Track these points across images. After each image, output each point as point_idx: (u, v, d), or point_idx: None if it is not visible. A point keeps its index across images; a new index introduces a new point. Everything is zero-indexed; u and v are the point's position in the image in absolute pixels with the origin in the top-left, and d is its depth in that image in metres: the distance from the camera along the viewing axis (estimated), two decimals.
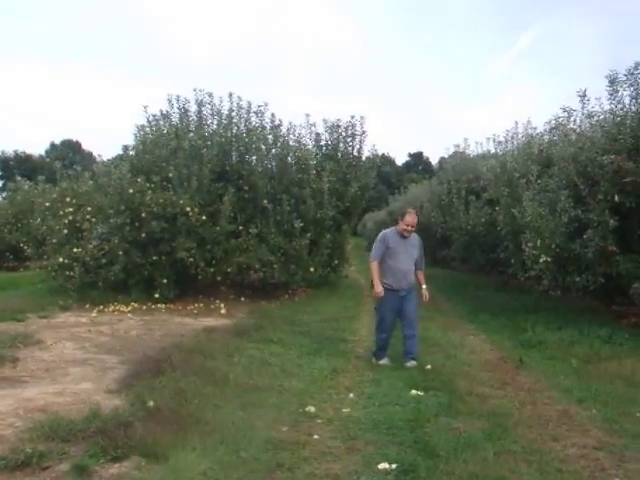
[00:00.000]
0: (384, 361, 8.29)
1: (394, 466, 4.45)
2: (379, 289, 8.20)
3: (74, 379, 6.95)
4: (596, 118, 11.39)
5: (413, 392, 6.58)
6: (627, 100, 10.54)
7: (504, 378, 7.51)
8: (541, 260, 10.70)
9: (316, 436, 5.24)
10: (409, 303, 8.33)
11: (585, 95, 11.30)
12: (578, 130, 12.17)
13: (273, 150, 15.66)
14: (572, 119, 12.53)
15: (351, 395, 6.58)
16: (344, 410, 6.05)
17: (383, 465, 4.48)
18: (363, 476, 4.33)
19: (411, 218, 8.40)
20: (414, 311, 8.35)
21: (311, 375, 7.46)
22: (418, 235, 8.84)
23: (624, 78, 10.39)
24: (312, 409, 5.97)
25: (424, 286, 8.61)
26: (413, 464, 4.48)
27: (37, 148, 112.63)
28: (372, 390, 6.79)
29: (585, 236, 10.09)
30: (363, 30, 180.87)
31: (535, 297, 13.44)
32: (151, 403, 5.69)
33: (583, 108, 11.56)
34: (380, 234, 8.76)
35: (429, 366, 7.84)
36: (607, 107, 10.98)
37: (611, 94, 10.65)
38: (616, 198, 9.84)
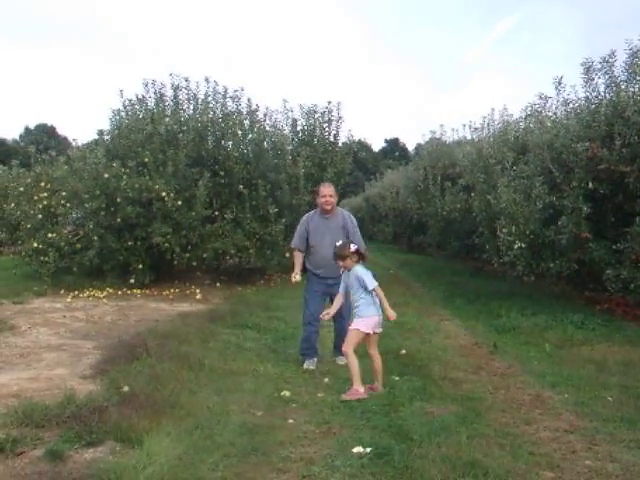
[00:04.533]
0: (308, 364, 7.31)
1: (368, 450, 4.48)
2: (294, 276, 7.46)
3: (48, 365, 6.93)
4: (571, 105, 11.41)
5: (388, 377, 6.62)
6: (602, 88, 10.57)
7: (478, 363, 7.56)
8: (515, 246, 10.74)
9: (291, 420, 5.27)
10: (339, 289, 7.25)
11: (561, 82, 11.30)
12: (553, 117, 12.19)
13: (249, 135, 15.60)
14: (548, 106, 12.54)
15: (326, 380, 6.62)
16: (319, 395, 6.09)
17: (357, 449, 4.51)
18: (337, 460, 4.35)
19: (325, 188, 7.57)
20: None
21: (286, 360, 7.48)
22: (355, 216, 7.94)
23: (599, 66, 10.41)
24: (287, 393, 6.01)
25: None
26: (387, 448, 4.51)
27: (11, 132, 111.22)
28: (347, 375, 6.77)
29: (559, 222, 10.13)
30: (339, 16, 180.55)
31: (509, 283, 13.55)
32: (126, 388, 5.70)
33: (559, 95, 11.56)
34: (302, 218, 7.88)
35: (404, 351, 7.87)
36: (582, 95, 11.00)
37: (586, 82, 10.67)
38: (590, 185, 9.90)
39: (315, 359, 7.46)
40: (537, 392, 6.27)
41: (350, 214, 7.93)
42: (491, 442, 4.76)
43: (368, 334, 6.27)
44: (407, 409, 5.57)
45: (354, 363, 6.14)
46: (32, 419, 4.85)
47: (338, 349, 7.45)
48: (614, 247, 9.65)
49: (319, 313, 7.28)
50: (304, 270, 7.70)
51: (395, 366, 7.12)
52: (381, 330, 6.41)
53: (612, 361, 7.29)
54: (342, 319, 7.47)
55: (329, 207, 7.50)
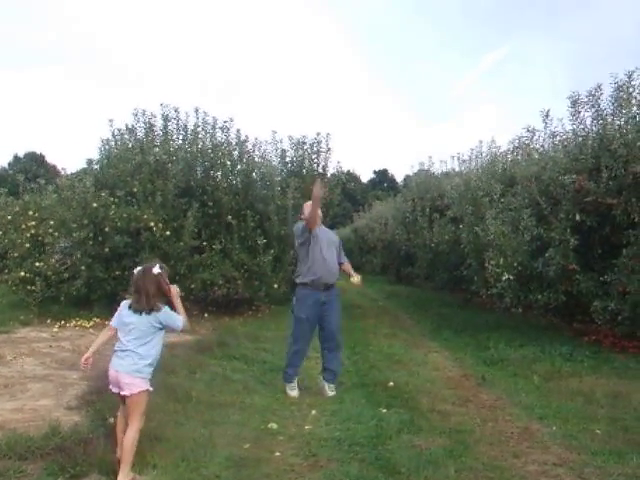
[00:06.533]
0: (291, 389, 7.42)
1: None
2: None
3: (33, 395, 6.86)
4: (558, 138, 11.53)
5: (375, 409, 6.59)
6: (588, 121, 10.69)
7: (466, 395, 7.53)
8: (503, 278, 10.76)
9: (278, 453, 5.24)
10: (330, 311, 7.46)
11: (548, 115, 11.44)
12: (541, 150, 12.32)
13: (238, 166, 15.59)
14: (535, 139, 12.68)
15: (313, 412, 6.58)
16: (306, 427, 6.05)
17: None
18: None
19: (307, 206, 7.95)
20: (336, 321, 7.56)
21: (273, 392, 7.44)
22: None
23: (585, 99, 10.53)
24: (274, 426, 5.97)
25: (353, 273, 7.73)
26: None
27: (0, 160, 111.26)
28: (334, 407, 6.79)
29: (547, 254, 10.18)
30: (329, 48, 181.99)
31: (497, 314, 13.55)
32: (112, 420, 5.63)
33: (546, 128, 11.70)
34: (298, 223, 8.08)
35: (392, 383, 7.83)
36: (569, 127, 11.14)
37: (573, 115, 10.79)
38: (577, 217, 9.96)
39: (296, 383, 7.50)
40: (525, 425, 6.25)
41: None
42: (479, 475, 4.74)
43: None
44: (395, 442, 5.54)
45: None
46: (15, 451, 4.80)
47: (327, 376, 7.56)
48: (601, 279, 9.68)
49: (309, 336, 7.56)
50: (293, 286, 7.82)
51: (383, 398, 7.10)
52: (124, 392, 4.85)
53: (600, 393, 7.28)
54: (330, 342, 7.61)
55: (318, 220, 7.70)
